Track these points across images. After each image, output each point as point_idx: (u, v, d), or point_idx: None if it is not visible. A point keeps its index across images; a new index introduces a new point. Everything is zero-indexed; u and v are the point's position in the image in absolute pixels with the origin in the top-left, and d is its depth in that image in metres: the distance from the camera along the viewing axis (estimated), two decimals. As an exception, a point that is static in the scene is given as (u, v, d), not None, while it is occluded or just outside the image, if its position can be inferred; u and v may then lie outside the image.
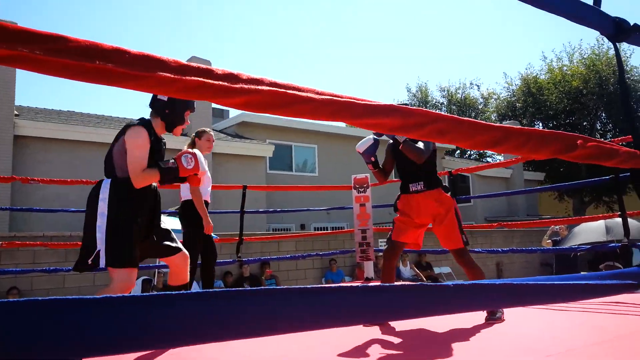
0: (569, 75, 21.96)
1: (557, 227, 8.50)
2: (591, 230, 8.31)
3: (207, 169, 3.78)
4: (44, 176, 9.44)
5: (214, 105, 13.24)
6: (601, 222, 8.40)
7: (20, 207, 7.04)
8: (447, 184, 3.40)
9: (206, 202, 3.75)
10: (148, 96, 2.54)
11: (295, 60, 53.48)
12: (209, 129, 3.95)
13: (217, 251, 4.08)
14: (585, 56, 22.06)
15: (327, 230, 13.12)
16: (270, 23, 49.89)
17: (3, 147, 8.94)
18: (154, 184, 2.48)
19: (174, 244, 2.51)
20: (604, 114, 22.19)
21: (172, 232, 2.59)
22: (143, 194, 2.36)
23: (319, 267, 9.89)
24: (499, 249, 4.44)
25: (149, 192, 2.43)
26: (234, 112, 15.56)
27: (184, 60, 0.79)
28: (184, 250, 2.56)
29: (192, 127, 12.18)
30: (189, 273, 2.61)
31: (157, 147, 2.45)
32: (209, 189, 3.92)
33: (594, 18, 1.20)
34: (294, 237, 8.90)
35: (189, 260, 2.59)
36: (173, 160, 2.40)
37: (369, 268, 5.88)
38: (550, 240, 8.18)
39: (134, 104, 52.05)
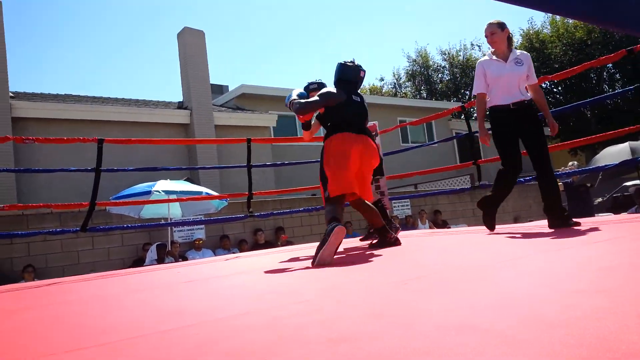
0: (572, 27, 21.44)
1: (570, 163, 8.28)
2: (615, 154, 8.12)
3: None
4: (47, 158, 9.36)
5: (212, 81, 13.03)
6: (625, 145, 8.25)
7: (24, 169, 6.96)
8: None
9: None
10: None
11: (289, 27, 52.63)
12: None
13: (230, 212, 3.92)
14: (588, 5, 21.48)
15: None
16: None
17: (1, 130, 8.82)
18: None
19: None
20: (610, 64, 21.67)
21: None
22: None
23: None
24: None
25: None
26: (233, 86, 15.29)
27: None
28: None
29: (192, 104, 12.04)
30: None
31: None
32: None
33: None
34: (305, 189, 8.74)
35: None
36: None
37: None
38: (561, 183, 7.95)
39: (130, 85, 51.60)
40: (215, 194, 7.60)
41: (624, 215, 5.15)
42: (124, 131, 10.43)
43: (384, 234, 3.34)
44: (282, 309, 1.49)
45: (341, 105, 3.21)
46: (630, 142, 8.33)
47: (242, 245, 8.46)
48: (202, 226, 8.56)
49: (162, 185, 7.26)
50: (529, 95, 3.40)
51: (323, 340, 1.02)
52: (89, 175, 4.23)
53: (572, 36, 21.19)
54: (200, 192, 7.40)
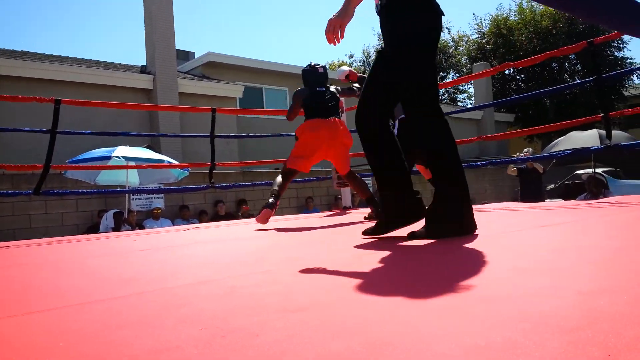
0: (539, 15, 21.87)
1: (526, 149, 8.51)
2: (582, 138, 8.25)
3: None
4: (1, 117, 8.91)
5: (178, 46, 12.62)
6: (594, 131, 8.35)
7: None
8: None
9: None
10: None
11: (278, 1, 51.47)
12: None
13: (191, 182, 3.90)
14: (555, -5, 21.89)
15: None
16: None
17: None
18: None
19: None
20: (572, 55, 22.29)
21: None
22: None
23: (295, 205, 9.81)
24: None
25: None
26: (199, 53, 14.89)
27: None
28: None
29: (156, 68, 11.66)
30: None
31: None
32: None
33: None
34: (268, 162, 8.70)
35: None
36: None
37: (346, 197, 5.78)
38: (515, 168, 8.20)
39: (88, 43, 49.54)
40: (176, 162, 7.45)
41: (573, 202, 5.38)
42: (82, 93, 10.02)
43: (374, 204, 3.69)
44: (241, 278, 1.49)
45: (307, 99, 3.94)
46: (599, 129, 8.37)
47: (202, 217, 8.39)
48: (161, 195, 8.42)
49: (122, 151, 7.06)
50: None
51: (278, 309, 1.03)
52: (45, 137, 4.06)
53: (538, 24, 21.64)
54: (161, 160, 7.24)
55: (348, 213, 4.93)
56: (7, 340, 0.94)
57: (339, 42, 1.98)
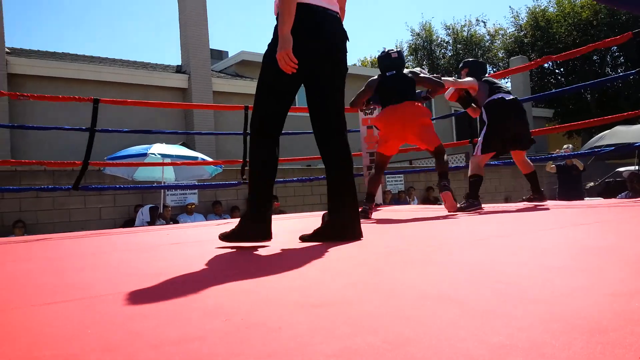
0: (579, 7, 21.12)
1: (565, 146, 8.24)
2: (629, 133, 7.92)
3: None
4: (42, 116, 9.26)
5: (212, 46, 12.81)
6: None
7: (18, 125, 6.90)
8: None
9: None
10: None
11: None
12: None
13: (224, 179, 3.97)
14: (597, -14, 21.13)
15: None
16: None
17: (-3, 86, 8.71)
18: None
19: None
20: (615, 46, 21.43)
21: None
22: None
23: (325, 202, 9.81)
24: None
25: None
26: (232, 52, 15.08)
27: None
28: None
29: (191, 68, 11.86)
30: None
31: None
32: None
33: None
34: (300, 160, 8.74)
35: None
36: None
37: (377, 194, 5.75)
38: (554, 165, 7.95)
39: (126, 44, 50.77)
40: (210, 160, 7.58)
41: (613, 200, 5.18)
42: (120, 93, 10.32)
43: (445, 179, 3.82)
44: (266, 272, 1.50)
45: (377, 87, 4.01)
46: None
47: (234, 212, 8.50)
48: (195, 191, 8.58)
49: (158, 148, 7.23)
50: None
51: (302, 304, 1.03)
52: (84, 135, 4.20)
53: (578, 16, 20.90)
54: (196, 158, 7.38)
55: (379, 210, 4.90)
56: (35, 328, 0.98)
57: (295, 69, 2.06)
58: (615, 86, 20.90)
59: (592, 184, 9.67)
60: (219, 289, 1.29)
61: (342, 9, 2.33)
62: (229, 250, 2.11)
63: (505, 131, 3.98)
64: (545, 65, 22.57)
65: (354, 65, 23.96)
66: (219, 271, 1.60)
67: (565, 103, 21.93)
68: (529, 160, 4.21)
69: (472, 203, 3.85)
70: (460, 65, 4.48)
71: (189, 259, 1.98)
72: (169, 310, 1.07)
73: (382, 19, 51.66)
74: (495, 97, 3.99)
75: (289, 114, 2.26)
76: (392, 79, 3.98)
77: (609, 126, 8.99)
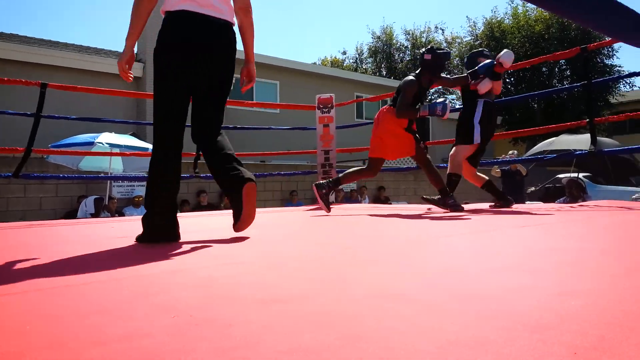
0: (533, 20, 22.04)
1: (510, 152, 8.59)
2: (573, 141, 8.29)
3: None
4: (20, 101, 8.73)
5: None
6: (586, 136, 8.40)
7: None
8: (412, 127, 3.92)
9: None
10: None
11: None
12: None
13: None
14: (549, 1, 22.08)
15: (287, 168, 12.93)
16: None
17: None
18: None
19: None
20: (563, 60, 22.50)
21: None
22: None
23: (279, 198, 9.79)
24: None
25: None
26: (190, 43, 14.75)
27: None
28: None
29: (146, 57, 11.51)
30: None
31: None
32: None
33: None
34: (254, 155, 8.68)
35: None
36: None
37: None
38: (499, 170, 8.29)
39: (81, 30, 48.78)
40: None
41: (552, 205, 5.45)
42: (71, 78, 9.87)
43: (444, 194, 3.76)
44: (219, 268, 1.48)
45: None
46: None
47: (184, 206, 8.33)
48: (144, 183, 8.34)
49: (106, 137, 6.99)
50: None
51: (254, 301, 1.02)
52: (29, 121, 3.99)
53: (532, 29, 21.80)
54: (146, 149, 7.17)
55: (331, 208, 4.93)
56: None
57: (130, 79, 2.22)
58: (561, 98, 21.94)
59: (533, 188, 10.12)
60: (168, 284, 1.26)
61: (242, 8, 2.29)
62: (178, 245, 2.07)
63: (490, 133, 3.97)
64: (497, 73, 23.36)
65: (314, 63, 23.99)
66: (168, 266, 1.56)
67: (514, 111, 22.82)
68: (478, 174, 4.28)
69: (445, 201, 3.84)
70: (473, 55, 4.15)
71: (135, 252, 1.92)
72: (116, 306, 1.04)
73: (345, 20, 52.12)
74: (488, 98, 3.92)
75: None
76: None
77: (552, 135, 9.44)
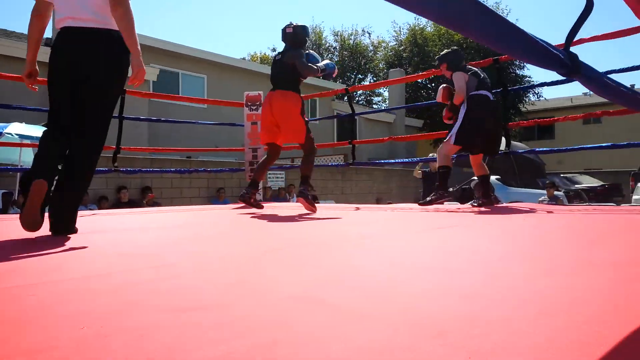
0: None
1: (431, 154, 9.00)
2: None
3: None
4: None
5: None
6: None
7: None
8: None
9: None
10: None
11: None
12: None
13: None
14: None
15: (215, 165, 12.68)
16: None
17: None
18: None
19: None
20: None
21: None
22: None
23: (205, 195, 9.58)
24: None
25: None
26: (112, 31, 14.00)
27: None
28: None
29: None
30: None
31: None
32: None
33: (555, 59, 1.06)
34: (180, 150, 8.43)
35: None
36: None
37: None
38: (420, 171, 8.66)
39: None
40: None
41: (464, 206, 5.80)
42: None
43: (305, 184, 3.83)
44: (136, 273, 1.43)
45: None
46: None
47: (102, 203, 7.93)
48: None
49: (16, 128, 6.51)
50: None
51: (170, 309, 1.01)
52: None
53: (452, 37, 22.93)
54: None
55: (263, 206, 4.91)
56: None
57: (35, 89, 2.50)
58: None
59: (450, 189, 10.64)
60: (80, 291, 1.20)
61: (110, 4, 2.28)
62: (91, 247, 1.98)
63: (481, 128, 3.87)
64: (421, 80, 24.41)
65: (243, 59, 23.67)
66: (79, 272, 1.49)
67: (434, 115, 23.91)
68: (484, 164, 4.20)
69: (441, 195, 3.97)
70: (437, 62, 4.22)
71: (46, 255, 1.81)
72: (19, 316, 0.98)
73: (275, 16, 51.86)
74: (481, 92, 3.88)
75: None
76: (275, 63, 3.91)
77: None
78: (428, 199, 4.08)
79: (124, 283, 1.28)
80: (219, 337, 0.81)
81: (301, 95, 3.87)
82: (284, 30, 3.91)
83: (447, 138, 3.98)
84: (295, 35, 3.84)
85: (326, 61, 3.97)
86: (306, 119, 3.88)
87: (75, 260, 1.69)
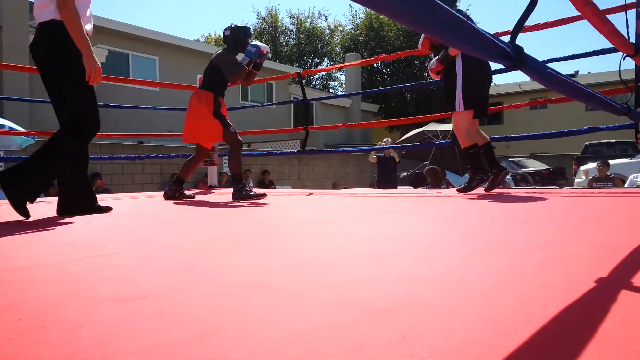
0: (407, 15, 23.48)
1: (385, 139, 9.16)
2: (441, 129, 8.99)
3: None
4: None
5: (29, -3, 11.15)
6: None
7: None
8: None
9: None
10: None
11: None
12: None
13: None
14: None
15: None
16: None
17: None
18: None
19: None
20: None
21: None
22: None
23: (158, 182, 9.37)
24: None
25: None
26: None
27: None
28: None
29: (3, 21, 10.17)
30: None
31: None
32: None
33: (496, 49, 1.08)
34: (131, 136, 8.19)
35: None
36: None
37: (212, 175, 5.69)
38: (375, 156, 8.81)
39: None
40: (21, 129, 6.66)
41: (416, 191, 5.95)
42: None
43: (237, 183, 3.78)
44: (78, 262, 1.40)
45: None
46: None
47: (49, 189, 7.61)
48: (1, 164, 7.47)
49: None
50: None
51: (112, 298, 1.00)
52: None
53: (407, 24, 23.28)
54: (3, 126, 6.45)
55: (213, 192, 4.87)
56: None
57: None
58: (429, 89, 23.75)
59: (405, 173, 10.88)
60: (20, 281, 1.16)
61: (58, 5, 2.46)
62: (29, 234, 1.91)
63: (480, 88, 3.54)
64: (376, 65, 24.61)
65: (197, 40, 23.10)
66: (17, 260, 1.44)
67: (389, 100, 24.24)
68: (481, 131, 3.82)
69: (481, 178, 3.56)
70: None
71: (-17, 246, 1.74)
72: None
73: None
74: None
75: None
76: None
77: (424, 124, 10.18)
78: (466, 185, 3.61)
79: (67, 273, 1.25)
80: (157, 326, 0.81)
81: (220, 94, 3.86)
82: (223, 32, 3.94)
83: (455, 108, 3.48)
84: (233, 37, 3.85)
85: (248, 46, 3.81)
86: (223, 114, 3.84)
87: (14, 249, 1.63)
